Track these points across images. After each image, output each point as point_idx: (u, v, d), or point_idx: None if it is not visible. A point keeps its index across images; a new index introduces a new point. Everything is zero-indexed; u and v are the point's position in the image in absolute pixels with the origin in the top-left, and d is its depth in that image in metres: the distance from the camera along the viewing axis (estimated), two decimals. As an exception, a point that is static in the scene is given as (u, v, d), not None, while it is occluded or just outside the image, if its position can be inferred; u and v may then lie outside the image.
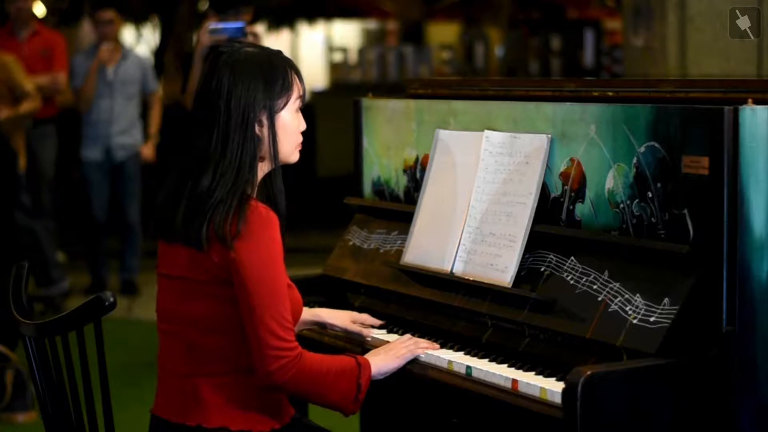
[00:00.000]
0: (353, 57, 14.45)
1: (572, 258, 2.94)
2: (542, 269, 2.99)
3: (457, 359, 2.93)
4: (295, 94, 2.78)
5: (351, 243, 3.62)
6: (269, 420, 2.77)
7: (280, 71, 2.76)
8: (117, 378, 5.12)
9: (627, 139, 2.85)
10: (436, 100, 3.52)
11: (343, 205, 3.77)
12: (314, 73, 16.32)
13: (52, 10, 11.87)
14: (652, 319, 2.69)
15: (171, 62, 12.73)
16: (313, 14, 17.07)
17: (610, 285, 2.81)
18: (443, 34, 17.89)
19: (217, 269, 2.67)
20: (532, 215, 3.03)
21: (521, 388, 2.74)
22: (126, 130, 8.04)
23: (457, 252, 3.19)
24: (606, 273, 2.84)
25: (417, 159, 3.52)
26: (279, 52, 2.82)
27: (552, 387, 2.67)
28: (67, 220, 9.53)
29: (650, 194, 2.80)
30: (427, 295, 3.25)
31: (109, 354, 2.83)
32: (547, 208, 3.05)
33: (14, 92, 7.12)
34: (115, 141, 8.00)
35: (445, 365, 2.93)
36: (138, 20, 13.89)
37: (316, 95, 12.26)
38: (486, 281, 3.07)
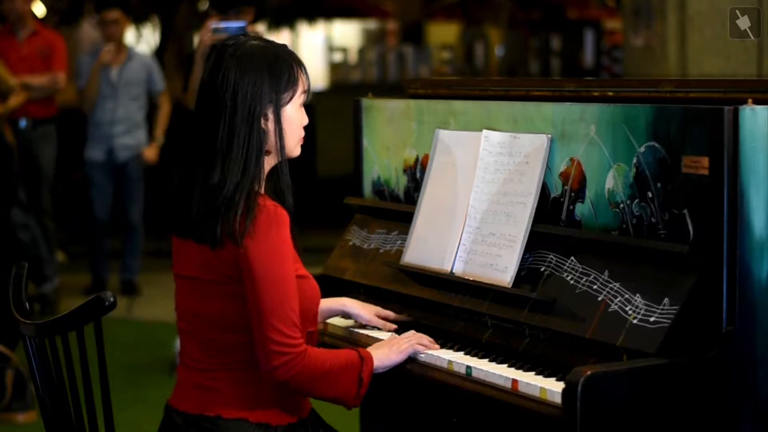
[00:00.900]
0: (353, 57, 14.46)
1: (572, 258, 2.94)
2: (542, 269, 2.99)
3: (457, 359, 2.93)
4: (300, 89, 2.79)
5: (351, 243, 3.62)
6: (287, 414, 2.79)
7: (286, 65, 2.76)
8: (117, 378, 5.13)
9: (627, 139, 2.85)
10: (436, 100, 3.52)
11: (343, 205, 3.77)
12: (314, 73, 16.31)
13: (52, 10, 11.86)
14: (652, 319, 2.68)
15: (171, 62, 12.72)
16: (313, 14, 17.07)
17: (610, 285, 2.81)
18: (443, 34, 17.88)
19: (229, 269, 2.68)
20: (532, 215, 3.03)
21: (521, 388, 2.74)
22: (130, 131, 8.04)
23: (457, 252, 3.19)
24: (606, 273, 2.84)
25: (417, 159, 3.52)
26: (284, 47, 2.82)
27: (552, 387, 2.67)
28: (68, 220, 9.53)
29: (650, 194, 2.80)
30: (427, 294, 3.25)
31: (109, 354, 2.83)
32: (547, 208, 3.05)
33: (0, 88, 7.13)
34: (118, 142, 8.01)
35: (445, 365, 2.94)
36: (138, 20, 13.89)
37: (316, 95, 12.24)
38: (486, 281, 3.07)
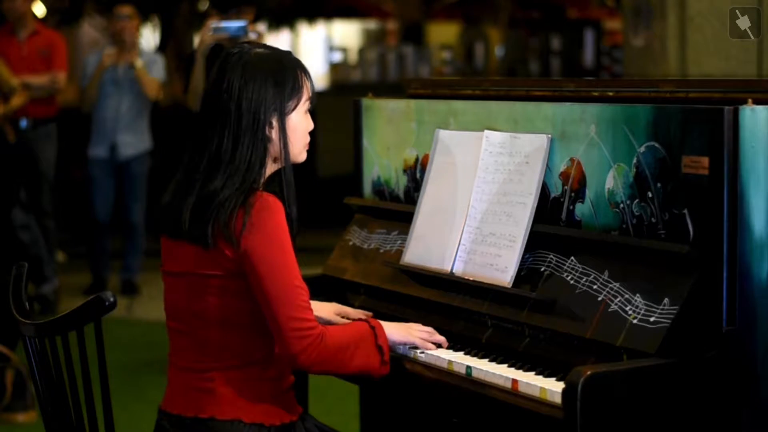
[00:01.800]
0: (353, 57, 14.46)
1: (572, 258, 2.94)
2: (542, 269, 2.99)
3: (457, 359, 2.93)
4: (305, 96, 2.79)
5: (351, 243, 3.62)
6: (281, 413, 2.80)
7: (290, 73, 2.76)
8: (117, 378, 5.13)
9: (627, 139, 2.85)
10: (436, 100, 3.52)
11: (343, 205, 3.77)
12: (314, 73, 16.30)
13: (52, 10, 11.86)
14: (652, 319, 2.68)
15: (171, 62, 12.73)
16: (313, 14, 17.07)
17: (610, 285, 2.81)
18: (443, 34, 17.89)
19: (228, 263, 2.68)
20: (532, 215, 3.03)
21: (521, 388, 2.74)
22: (133, 129, 8.03)
23: (457, 252, 3.19)
24: (606, 273, 2.84)
25: (417, 159, 3.52)
26: (289, 53, 2.82)
27: (552, 387, 2.67)
28: (68, 220, 9.53)
29: (650, 194, 2.80)
30: (427, 295, 3.25)
31: (109, 354, 2.83)
32: (547, 208, 3.05)
33: (2, 89, 7.12)
34: (122, 139, 7.99)
35: (445, 365, 2.94)
36: (140, 20, 13.89)
37: (316, 95, 12.25)
38: (486, 281, 3.07)
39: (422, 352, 2.98)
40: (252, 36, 5.55)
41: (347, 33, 19.36)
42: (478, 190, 3.18)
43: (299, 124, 2.79)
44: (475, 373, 2.86)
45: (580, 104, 3.01)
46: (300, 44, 18.92)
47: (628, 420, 2.58)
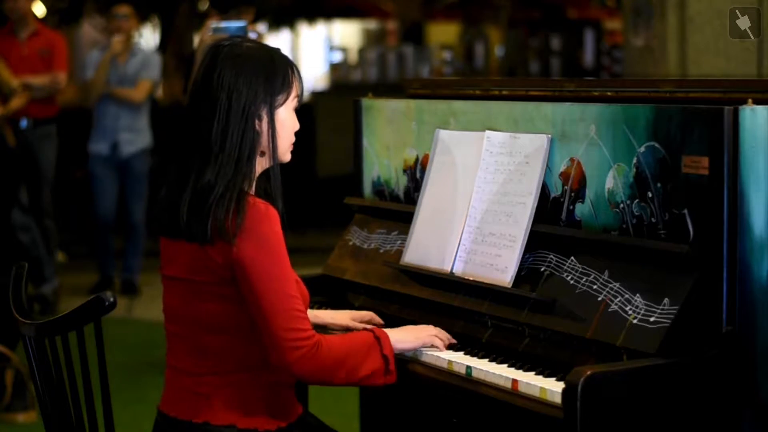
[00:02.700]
0: (353, 57, 14.46)
1: (572, 258, 2.94)
2: (542, 269, 2.99)
3: (457, 359, 2.93)
4: (293, 93, 2.79)
5: (351, 243, 3.62)
6: (276, 418, 2.78)
7: (281, 68, 2.77)
8: (117, 378, 5.13)
9: (627, 139, 2.85)
10: (436, 100, 3.52)
11: (343, 205, 3.77)
12: (314, 73, 16.32)
13: (52, 10, 11.87)
14: (652, 319, 2.68)
15: (171, 62, 12.73)
16: (313, 14, 17.08)
17: (610, 285, 2.81)
18: (443, 34, 17.89)
19: (220, 269, 2.67)
20: (532, 215, 3.03)
21: (521, 388, 2.73)
22: (134, 126, 8.01)
23: (457, 252, 3.19)
24: (606, 273, 2.84)
25: (417, 159, 3.52)
26: (279, 50, 2.83)
27: (552, 387, 2.67)
28: (68, 220, 9.53)
29: (650, 194, 2.80)
30: (427, 295, 3.25)
31: (109, 354, 2.83)
32: (547, 208, 3.05)
33: (2, 90, 7.12)
34: (123, 136, 7.98)
35: (445, 365, 2.93)
36: (138, 20, 13.89)
37: (316, 95, 12.26)
38: (486, 281, 3.07)
39: (426, 353, 2.97)
40: (252, 36, 5.55)
41: (347, 33, 19.36)
42: (478, 190, 3.18)
43: (287, 120, 2.79)
44: (475, 373, 2.86)
45: (580, 104, 3.01)
46: (300, 44, 18.93)
47: (628, 420, 2.58)
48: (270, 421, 2.77)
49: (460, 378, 2.89)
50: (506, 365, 2.87)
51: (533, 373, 2.79)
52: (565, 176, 3.02)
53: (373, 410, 3.69)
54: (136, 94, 7.93)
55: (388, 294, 3.38)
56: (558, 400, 2.61)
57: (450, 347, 3.02)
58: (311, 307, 3.17)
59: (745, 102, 2.68)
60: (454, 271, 3.18)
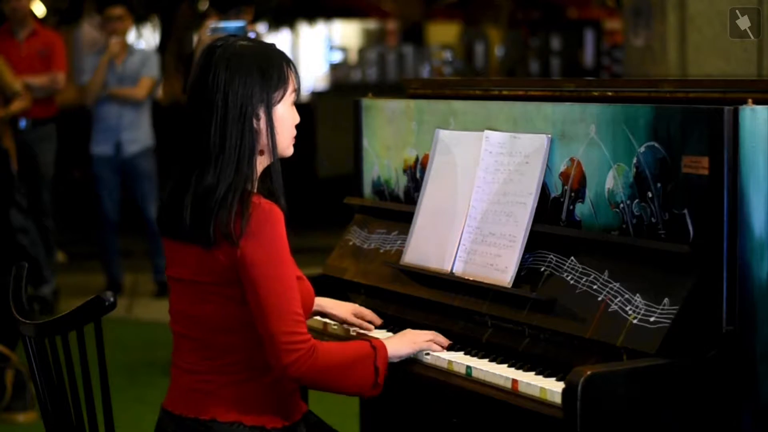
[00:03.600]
0: (353, 57, 14.46)
1: (572, 258, 2.94)
2: (542, 269, 2.99)
3: (457, 359, 2.93)
4: (290, 87, 2.78)
5: (351, 243, 3.62)
6: (281, 416, 2.79)
7: (275, 64, 2.76)
8: (117, 378, 5.13)
9: (627, 139, 2.85)
10: (436, 100, 3.52)
11: (343, 205, 3.77)
12: (314, 73, 16.32)
13: (52, 10, 11.87)
14: (652, 319, 2.68)
15: (171, 62, 12.73)
16: (313, 14, 17.08)
17: (610, 285, 2.81)
18: (443, 34, 17.89)
19: (225, 270, 2.67)
20: (532, 215, 3.03)
21: (521, 388, 2.74)
22: (135, 126, 7.99)
23: (457, 252, 3.19)
24: (606, 273, 2.84)
25: (417, 159, 3.52)
26: (273, 46, 2.82)
27: (552, 387, 2.67)
28: (68, 220, 9.53)
29: (650, 194, 2.80)
30: (427, 295, 3.25)
31: (109, 354, 2.83)
32: (547, 208, 3.05)
33: (4, 93, 7.12)
34: (126, 136, 7.96)
35: (445, 365, 2.93)
36: (138, 20, 13.89)
37: (316, 95, 12.26)
38: (486, 281, 3.07)
39: (427, 353, 2.97)
40: (251, 36, 5.55)
41: (347, 33, 19.35)
42: (478, 190, 3.18)
43: (286, 115, 2.78)
44: (475, 373, 2.86)
45: (580, 104, 3.01)
46: (300, 44, 18.93)
47: (628, 420, 2.58)
48: (276, 418, 2.78)
49: (460, 378, 2.89)
50: (506, 365, 2.87)
51: (533, 373, 2.80)
52: (565, 176, 3.02)
53: (373, 410, 3.69)
54: (138, 91, 7.92)
55: (388, 294, 3.38)
56: (558, 400, 2.61)
57: (450, 347, 3.02)
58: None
59: (745, 102, 2.68)
60: (454, 271, 3.18)
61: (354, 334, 3.22)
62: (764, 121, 2.67)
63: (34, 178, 7.77)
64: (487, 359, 2.92)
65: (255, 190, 2.74)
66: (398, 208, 3.54)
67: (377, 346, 2.82)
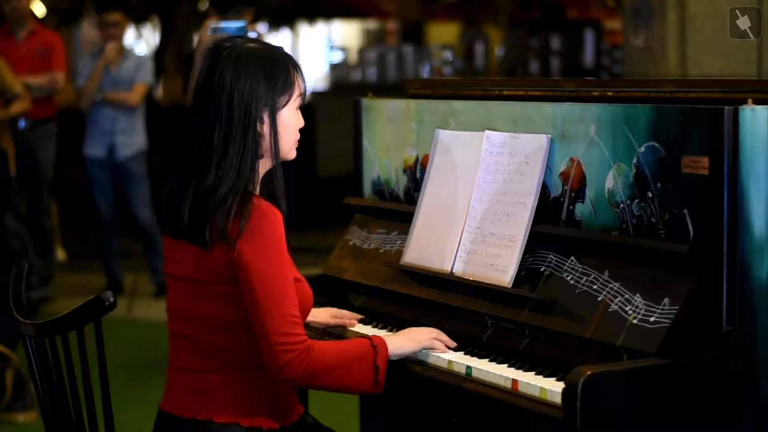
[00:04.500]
0: (353, 57, 14.46)
1: (572, 258, 2.94)
2: (542, 269, 2.99)
3: (457, 359, 2.93)
4: (296, 92, 2.78)
5: (351, 243, 3.62)
6: (280, 417, 2.79)
7: (282, 68, 2.75)
8: (117, 378, 5.13)
9: (627, 139, 2.85)
10: (436, 100, 3.52)
11: (343, 205, 3.77)
12: (314, 73, 16.33)
13: (52, 10, 11.87)
14: (652, 319, 2.69)
15: (171, 62, 12.74)
16: (313, 14, 17.09)
17: (610, 285, 2.81)
18: (443, 34, 17.90)
19: (222, 268, 2.67)
20: (532, 215, 3.03)
21: (521, 388, 2.74)
22: (130, 130, 8.00)
23: (457, 252, 3.19)
24: (606, 273, 2.84)
25: (417, 159, 3.52)
26: (281, 49, 2.81)
27: (552, 387, 2.67)
28: (69, 220, 9.53)
29: (650, 194, 2.80)
30: (427, 295, 3.25)
31: (109, 354, 2.83)
32: (547, 208, 3.05)
33: (4, 94, 7.12)
34: (119, 140, 7.97)
35: (445, 365, 2.93)
36: (138, 20, 13.90)
37: (316, 95, 12.26)
38: (486, 281, 3.07)
39: (428, 352, 2.97)
40: (251, 36, 5.55)
41: (347, 33, 19.36)
42: (478, 190, 3.18)
43: (290, 120, 2.78)
44: (475, 373, 2.86)
45: (580, 104, 3.01)
46: (300, 44, 18.93)
47: (628, 420, 2.58)
48: (272, 420, 2.77)
49: (460, 378, 2.89)
50: (506, 365, 2.87)
51: (533, 373, 2.80)
52: (565, 176, 3.02)
53: (373, 410, 3.69)
54: (132, 97, 7.92)
55: (388, 294, 3.38)
56: (558, 400, 2.61)
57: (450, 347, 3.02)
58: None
59: (745, 102, 2.68)
60: (454, 271, 3.18)
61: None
62: (764, 121, 2.67)
63: (34, 178, 7.77)
64: (487, 359, 2.92)
65: (257, 192, 2.74)
66: (398, 208, 3.54)
67: (377, 344, 2.81)
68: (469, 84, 3.83)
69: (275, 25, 16.15)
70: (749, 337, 2.68)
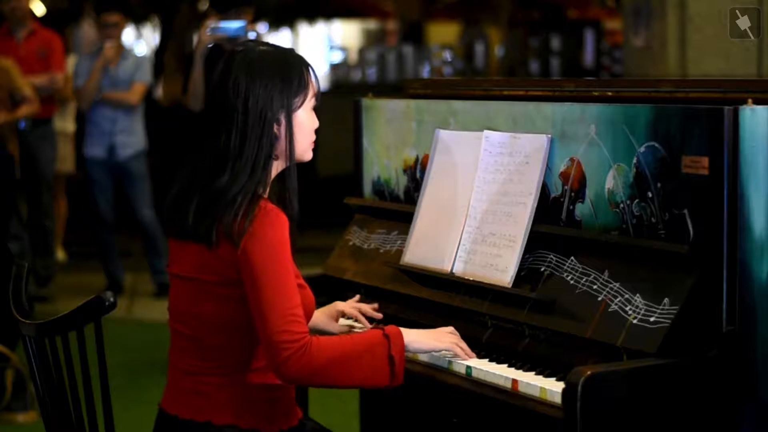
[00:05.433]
0: (353, 57, 14.46)
1: (572, 258, 2.94)
2: (542, 269, 2.99)
3: (457, 359, 2.93)
4: (311, 93, 2.79)
5: (351, 243, 3.62)
6: (279, 421, 2.78)
7: (296, 70, 2.76)
8: (117, 378, 5.13)
9: (627, 139, 2.85)
10: (436, 100, 3.52)
11: (343, 205, 3.77)
12: (314, 73, 16.29)
13: (53, 10, 11.87)
14: (652, 319, 2.69)
15: (171, 62, 12.73)
16: (313, 14, 17.09)
17: (610, 285, 2.81)
18: (443, 34, 17.89)
19: (226, 269, 2.67)
20: (532, 215, 3.03)
21: (521, 388, 2.74)
22: (129, 130, 8.00)
23: (457, 252, 3.19)
24: (606, 273, 2.84)
25: (417, 159, 3.52)
26: (293, 51, 2.82)
27: (552, 387, 2.67)
28: (69, 220, 9.53)
29: (650, 194, 2.80)
30: (427, 295, 3.25)
31: (109, 354, 2.83)
32: (547, 208, 3.05)
33: (14, 97, 7.12)
34: (120, 139, 7.97)
35: (445, 365, 2.93)
36: (138, 20, 13.90)
37: (317, 95, 12.23)
38: (486, 281, 3.07)
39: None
40: (251, 36, 5.55)
41: (347, 33, 19.36)
42: (478, 190, 3.18)
43: (305, 121, 2.79)
44: (475, 373, 2.86)
45: (580, 104, 3.01)
46: (300, 44, 18.93)
47: (628, 420, 2.58)
48: (272, 423, 2.76)
49: (460, 378, 2.89)
50: (506, 365, 2.87)
51: (533, 373, 2.80)
52: (565, 176, 3.02)
53: (373, 410, 3.69)
54: (132, 96, 7.92)
55: (388, 294, 3.38)
56: (558, 400, 2.61)
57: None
58: None
59: (745, 102, 2.68)
60: (454, 271, 3.18)
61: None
62: (764, 121, 2.67)
63: (34, 178, 7.77)
64: (487, 359, 2.92)
65: (266, 195, 2.75)
66: (398, 208, 3.54)
67: (391, 334, 2.76)
68: (469, 84, 3.84)
69: (275, 25, 16.15)
70: (749, 337, 2.68)
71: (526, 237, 3.02)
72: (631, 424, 2.59)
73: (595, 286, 2.85)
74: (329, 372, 2.68)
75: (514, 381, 2.75)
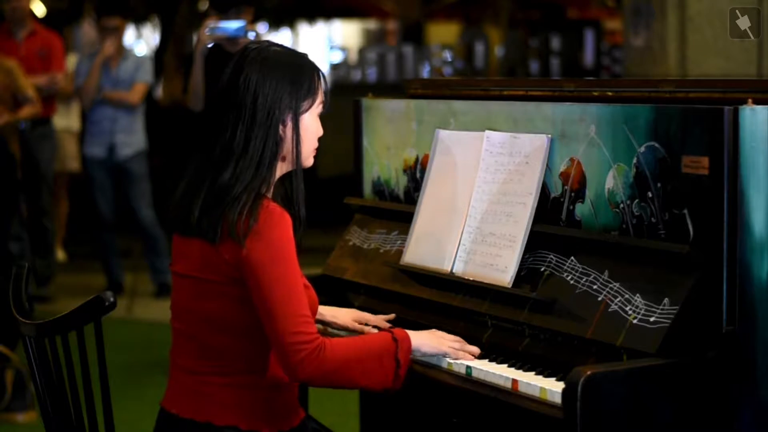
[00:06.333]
0: (353, 57, 14.45)
1: (572, 258, 2.94)
2: (542, 269, 2.99)
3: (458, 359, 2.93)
4: (319, 99, 2.80)
5: (351, 243, 3.62)
6: (280, 421, 2.78)
7: (307, 74, 2.78)
8: (117, 378, 5.13)
9: (627, 139, 2.85)
10: (436, 100, 3.52)
11: (343, 205, 3.77)
12: (314, 73, 16.29)
13: (52, 10, 11.86)
14: (652, 319, 2.69)
15: (171, 62, 12.73)
16: (313, 14, 17.09)
17: (610, 285, 2.81)
18: (443, 34, 17.88)
19: (229, 269, 2.67)
20: (532, 215, 3.03)
21: (521, 388, 2.74)
22: (129, 129, 8.00)
23: (457, 252, 3.19)
24: (606, 273, 2.84)
25: (417, 159, 3.52)
26: (306, 56, 2.84)
27: (552, 387, 2.67)
28: (69, 220, 9.53)
29: (650, 194, 2.80)
30: (427, 294, 3.25)
31: (109, 354, 2.83)
32: (547, 208, 3.05)
33: (16, 97, 7.12)
34: (120, 139, 7.97)
35: (445, 365, 2.93)
36: (138, 20, 13.90)
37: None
38: (486, 281, 3.07)
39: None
40: (250, 36, 5.55)
41: (347, 33, 19.35)
42: (478, 190, 3.18)
43: (311, 126, 2.80)
44: (475, 373, 2.86)
45: (580, 104, 3.01)
46: (300, 44, 18.93)
47: (628, 420, 2.58)
48: (273, 424, 2.76)
49: (460, 378, 2.89)
50: (506, 365, 2.87)
51: (533, 373, 2.80)
52: (565, 176, 3.02)
53: (373, 410, 3.69)
54: (132, 96, 7.92)
55: (388, 294, 3.38)
56: (558, 400, 2.61)
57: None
58: None
59: (745, 102, 2.68)
60: (454, 271, 3.18)
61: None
62: (764, 121, 2.67)
63: (34, 178, 7.76)
64: (487, 359, 2.92)
65: (270, 195, 2.75)
66: (398, 208, 3.54)
67: (399, 338, 2.78)
68: (469, 84, 3.83)
69: (275, 25, 16.16)
70: (749, 337, 2.68)
71: (526, 237, 3.02)
72: (631, 424, 2.59)
73: (595, 286, 2.85)
74: (342, 373, 2.69)
75: (514, 381, 2.75)
